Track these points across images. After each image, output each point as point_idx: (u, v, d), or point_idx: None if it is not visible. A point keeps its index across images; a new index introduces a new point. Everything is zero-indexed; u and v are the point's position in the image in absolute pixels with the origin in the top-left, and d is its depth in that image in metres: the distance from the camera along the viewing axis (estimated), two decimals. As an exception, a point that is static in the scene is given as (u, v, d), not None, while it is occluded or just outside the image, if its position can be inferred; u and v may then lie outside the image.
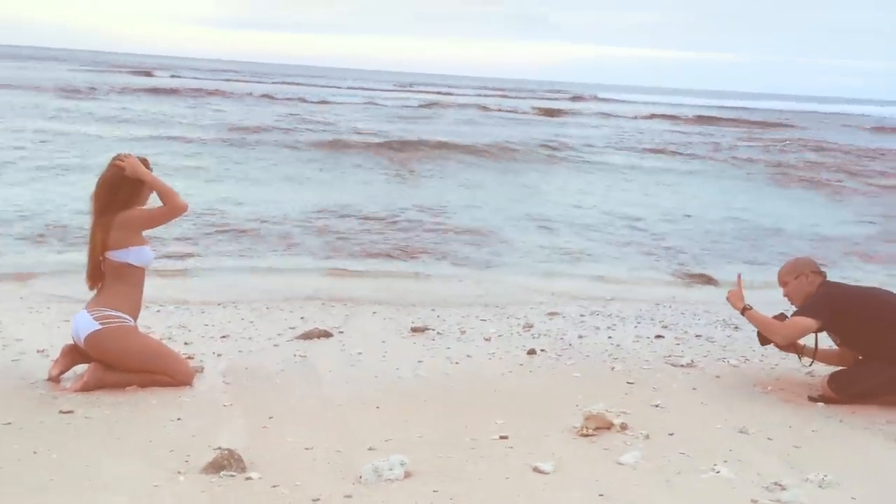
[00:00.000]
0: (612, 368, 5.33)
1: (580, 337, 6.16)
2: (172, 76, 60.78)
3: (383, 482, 3.31)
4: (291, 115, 29.20)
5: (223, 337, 5.72)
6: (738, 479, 3.50)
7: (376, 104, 41.76)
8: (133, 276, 4.59)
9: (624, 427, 4.09)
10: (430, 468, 3.48)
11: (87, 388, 4.41)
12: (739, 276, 5.32)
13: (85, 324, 4.48)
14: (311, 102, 38.75)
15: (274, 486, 3.25)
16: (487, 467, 3.54)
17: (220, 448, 3.50)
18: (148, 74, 61.34)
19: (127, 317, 4.53)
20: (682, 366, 5.46)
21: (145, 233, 4.68)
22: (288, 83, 63.32)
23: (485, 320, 6.60)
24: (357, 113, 33.45)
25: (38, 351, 5.11)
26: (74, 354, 4.63)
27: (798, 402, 4.75)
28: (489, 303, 7.33)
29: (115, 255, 4.52)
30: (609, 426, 4.07)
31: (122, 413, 4.11)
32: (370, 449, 3.70)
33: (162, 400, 4.33)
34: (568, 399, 4.56)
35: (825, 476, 3.51)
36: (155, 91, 38.34)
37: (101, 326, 4.45)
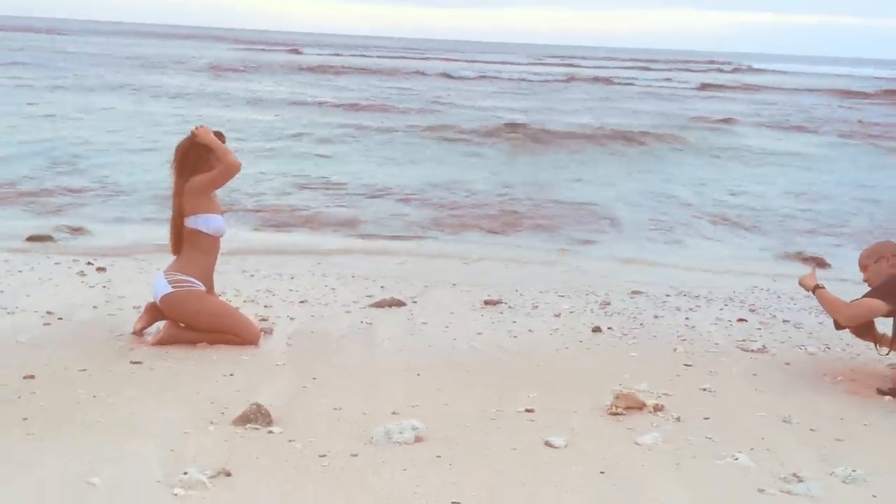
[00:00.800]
0: (675, 350, 5.22)
1: (656, 317, 6.05)
2: (333, 54, 62.47)
3: (392, 444, 3.45)
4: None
5: (301, 302, 6.02)
6: (757, 467, 3.39)
7: (526, 80, 41.71)
8: (205, 244, 4.92)
9: (658, 408, 4.02)
10: (442, 435, 3.58)
11: (162, 342, 4.80)
12: (814, 266, 5.08)
13: (160, 286, 4.86)
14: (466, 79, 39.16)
15: (290, 441, 3.45)
16: (499, 439, 3.59)
17: (255, 403, 3.75)
18: (296, 52, 63.59)
19: (196, 282, 4.88)
20: (752, 350, 5.27)
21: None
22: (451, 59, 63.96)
23: (563, 296, 6.60)
24: (495, 89, 33.52)
25: (133, 307, 5.58)
26: (155, 311, 5.02)
27: (865, 395, 4.49)
28: (574, 279, 7.30)
29: (188, 222, 4.87)
30: (641, 406, 4.02)
31: (183, 367, 4.45)
32: (394, 413, 3.84)
33: (223, 357, 4.65)
34: (613, 378, 4.52)
35: (854, 471, 3.34)
36: (316, 70, 39.77)
37: (172, 290, 4.82)
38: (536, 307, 6.19)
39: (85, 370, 4.31)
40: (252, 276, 6.79)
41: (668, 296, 6.78)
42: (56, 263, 6.89)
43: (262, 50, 66.17)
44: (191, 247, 4.92)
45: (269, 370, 4.47)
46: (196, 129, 4.91)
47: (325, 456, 3.31)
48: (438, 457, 3.36)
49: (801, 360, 5.12)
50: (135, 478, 3.03)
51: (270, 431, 3.56)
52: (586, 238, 9.41)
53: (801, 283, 4.90)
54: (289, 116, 21.44)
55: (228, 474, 3.10)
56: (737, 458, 3.45)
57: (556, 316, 5.94)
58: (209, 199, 4.92)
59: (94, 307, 5.57)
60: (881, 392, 4.49)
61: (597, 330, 5.58)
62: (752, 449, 3.59)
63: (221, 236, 5.00)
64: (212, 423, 3.64)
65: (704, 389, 4.45)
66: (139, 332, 4.97)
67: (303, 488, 3.02)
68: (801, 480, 3.27)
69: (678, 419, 3.93)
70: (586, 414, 3.98)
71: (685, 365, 4.90)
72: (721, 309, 6.40)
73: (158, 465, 3.15)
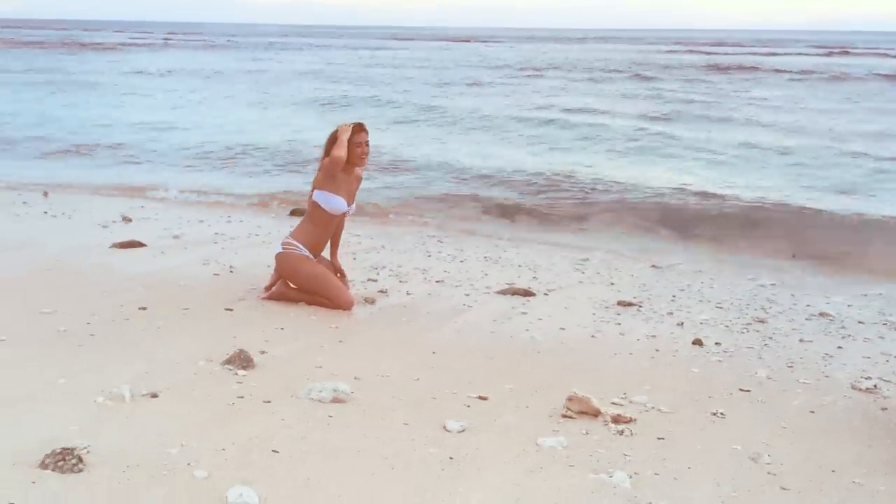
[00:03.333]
0: (755, 374, 4.60)
1: (801, 341, 5.30)
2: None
3: (309, 400, 3.77)
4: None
5: (438, 281, 6.39)
6: (627, 490, 3.06)
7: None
8: (318, 216, 5.60)
9: (618, 419, 3.73)
10: (366, 404, 3.79)
11: (272, 297, 5.59)
12: None
13: (278, 246, 5.69)
14: None
15: (253, 385, 3.91)
16: (406, 414, 3.69)
17: (240, 349, 4.27)
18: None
19: (302, 247, 5.58)
20: (860, 389, 4.44)
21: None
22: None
23: (721, 307, 6.03)
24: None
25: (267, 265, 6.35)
26: (280, 271, 5.86)
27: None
28: (750, 293, 6.56)
29: (314, 195, 5.61)
30: (596, 413, 3.76)
31: (259, 317, 5.18)
32: (356, 378, 4.13)
33: (308, 315, 5.30)
34: (627, 387, 4.23)
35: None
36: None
37: (281, 250, 5.60)
38: (672, 313, 5.79)
39: (188, 309, 5.24)
40: (429, 255, 7.32)
41: (842, 321, 5.81)
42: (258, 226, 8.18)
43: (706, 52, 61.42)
44: (308, 217, 5.65)
45: (323, 333, 4.98)
46: (340, 125, 5.62)
47: (269, 403, 3.73)
48: (330, 416, 3.60)
49: (915, 410, 4.18)
50: (89, 385, 3.79)
51: (236, 373, 4.09)
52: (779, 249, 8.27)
53: None
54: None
55: (155, 395, 3.72)
56: (611, 476, 3.14)
57: (678, 325, 5.52)
58: (335, 180, 5.58)
59: (268, 266, 6.59)
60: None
61: (697, 342, 5.11)
62: (656, 474, 3.21)
63: (336, 215, 5.62)
64: (210, 361, 4.27)
65: (713, 413, 3.95)
66: (268, 287, 5.82)
67: (209, 414, 3.51)
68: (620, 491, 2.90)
69: (621, 433, 3.63)
70: (542, 413, 3.84)
71: (741, 390, 4.34)
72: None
73: (124, 381, 3.87)
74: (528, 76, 32.71)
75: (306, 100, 23.01)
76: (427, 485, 3.02)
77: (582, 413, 3.77)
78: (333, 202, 5.58)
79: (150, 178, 11.50)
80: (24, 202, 8.85)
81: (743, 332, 5.44)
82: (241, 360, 4.22)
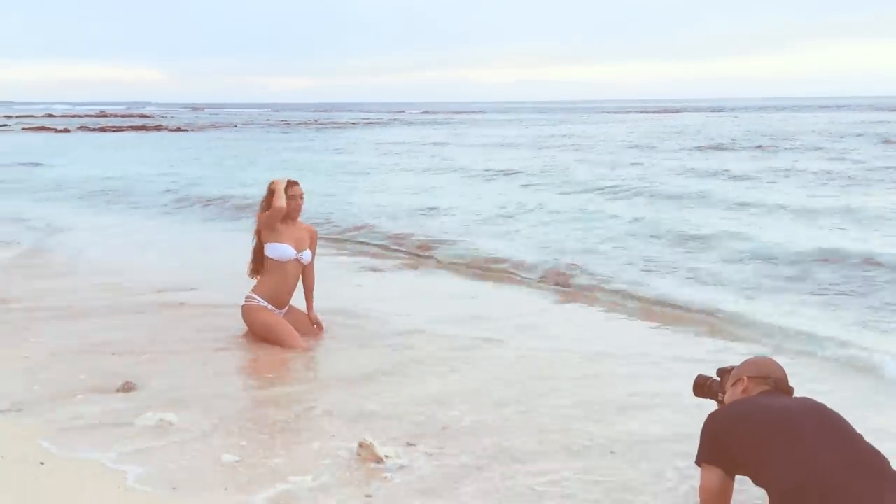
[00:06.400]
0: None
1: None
2: None
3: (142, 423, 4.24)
4: None
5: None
6: None
7: None
8: (270, 267, 6.09)
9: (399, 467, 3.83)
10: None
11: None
12: None
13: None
14: None
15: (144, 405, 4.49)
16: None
17: (128, 381, 4.83)
18: None
19: (260, 299, 6.09)
20: None
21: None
22: None
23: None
24: None
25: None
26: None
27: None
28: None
29: (264, 248, 6.14)
30: (379, 460, 3.87)
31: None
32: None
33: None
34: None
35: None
36: None
37: (243, 303, 6.17)
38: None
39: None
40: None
41: None
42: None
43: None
44: (265, 271, 6.17)
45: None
46: (274, 180, 6.18)
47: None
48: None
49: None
50: None
51: (125, 400, 4.62)
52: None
53: None
54: None
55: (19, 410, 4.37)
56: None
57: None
58: (276, 231, 6.10)
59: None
60: None
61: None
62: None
63: (287, 261, 6.08)
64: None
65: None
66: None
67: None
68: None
69: (385, 479, 3.71)
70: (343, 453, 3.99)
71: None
72: None
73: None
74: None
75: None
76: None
77: (369, 458, 3.89)
78: (278, 250, 6.07)
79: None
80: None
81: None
82: (125, 386, 4.78)
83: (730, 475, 3.06)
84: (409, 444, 4.08)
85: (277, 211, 6.01)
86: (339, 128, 56.04)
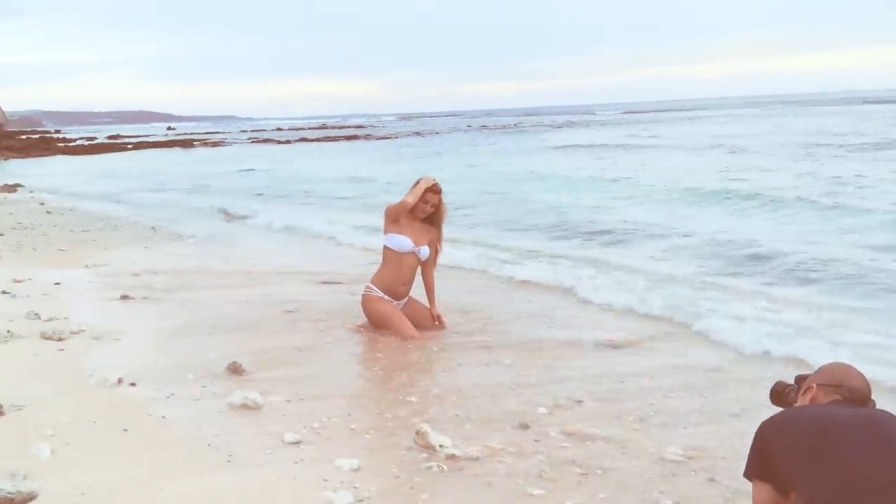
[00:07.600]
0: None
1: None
2: None
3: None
4: None
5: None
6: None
7: None
8: (388, 257, 6.27)
9: (451, 457, 3.75)
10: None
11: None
12: None
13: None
14: None
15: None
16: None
17: (234, 361, 5.06)
18: None
19: (377, 289, 6.25)
20: None
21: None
22: None
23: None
24: None
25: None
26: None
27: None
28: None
29: (384, 239, 6.34)
30: (434, 449, 3.81)
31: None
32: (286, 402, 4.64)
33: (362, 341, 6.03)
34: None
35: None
36: None
37: (362, 292, 6.37)
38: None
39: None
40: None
41: None
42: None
43: None
44: (382, 261, 6.35)
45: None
46: (423, 177, 6.32)
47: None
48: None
49: None
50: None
51: (235, 383, 4.82)
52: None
53: None
54: None
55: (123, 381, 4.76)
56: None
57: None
58: (398, 223, 6.25)
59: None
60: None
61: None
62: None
63: (403, 253, 6.20)
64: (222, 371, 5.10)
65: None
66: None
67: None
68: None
69: (443, 469, 3.65)
70: (394, 438, 4.01)
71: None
72: None
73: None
74: None
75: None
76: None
77: (425, 446, 3.85)
78: (396, 240, 6.22)
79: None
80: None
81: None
82: (235, 371, 5.03)
83: (782, 493, 2.55)
84: (466, 439, 4.00)
85: (403, 205, 6.16)
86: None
